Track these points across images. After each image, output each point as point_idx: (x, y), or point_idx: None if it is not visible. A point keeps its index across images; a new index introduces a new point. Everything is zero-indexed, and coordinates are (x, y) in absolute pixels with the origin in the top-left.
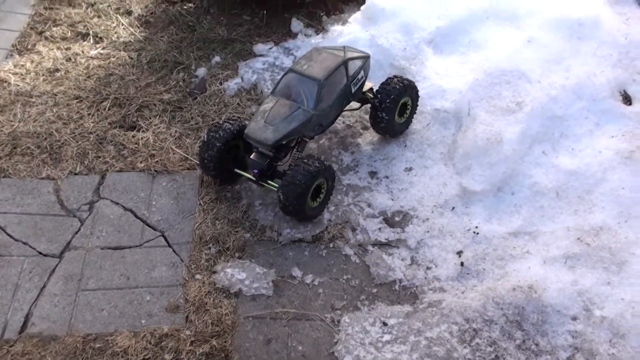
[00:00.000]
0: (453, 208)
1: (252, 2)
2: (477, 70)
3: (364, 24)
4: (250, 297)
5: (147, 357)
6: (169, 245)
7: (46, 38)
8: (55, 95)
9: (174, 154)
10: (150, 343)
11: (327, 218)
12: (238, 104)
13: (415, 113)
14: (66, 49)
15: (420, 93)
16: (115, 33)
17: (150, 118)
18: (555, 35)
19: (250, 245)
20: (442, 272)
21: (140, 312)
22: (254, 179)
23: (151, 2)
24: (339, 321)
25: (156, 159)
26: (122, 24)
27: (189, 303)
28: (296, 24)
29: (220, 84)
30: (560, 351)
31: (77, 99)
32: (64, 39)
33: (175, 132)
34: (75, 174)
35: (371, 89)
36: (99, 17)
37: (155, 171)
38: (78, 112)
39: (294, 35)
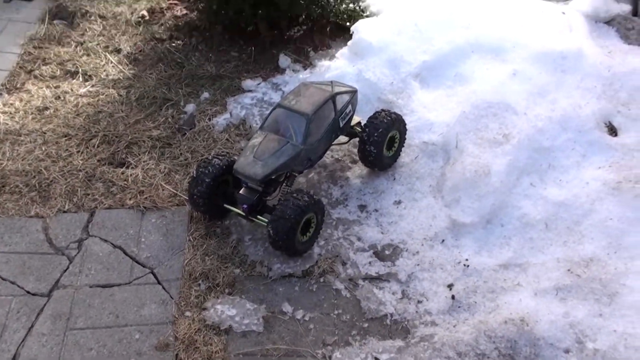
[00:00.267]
0: (443, 241)
1: (240, 39)
2: (464, 103)
3: (351, 58)
4: (241, 333)
5: None
6: (159, 282)
7: (35, 77)
8: (44, 133)
9: (163, 190)
10: None
11: (317, 252)
12: (227, 139)
13: (403, 146)
14: (55, 87)
15: (408, 126)
16: (105, 71)
17: (139, 155)
18: (539, 68)
19: (241, 280)
20: (434, 305)
21: (130, 351)
22: (244, 214)
23: (140, 40)
24: (330, 357)
25: (145, 196)
26: (111, 62)
27: (179, 341)
28: (284, 60)
29: (209, 119)
30: None
31: (66, 136)
32: (53, 77)
33: (165, 168)
34: (64, 211)
35: (359, 122)
36: (88, 55)
37: (145, 208)
38: (67, 149)
39: (282, 71)
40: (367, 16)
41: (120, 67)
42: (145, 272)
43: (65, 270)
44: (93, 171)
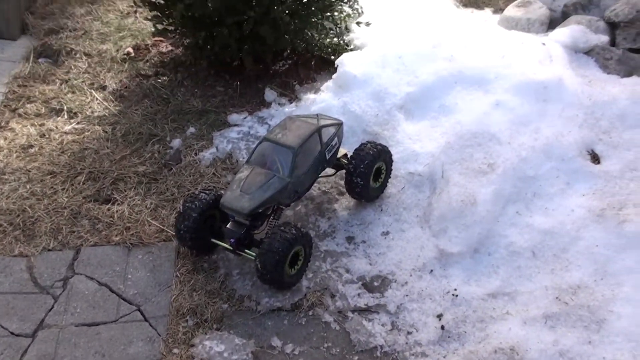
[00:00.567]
0: (431, 271)
1: (225, 74)
2: (449, 133)
3: (336, 91)
4: None
5: None
6: (146, 320)
7: (20, 115)
8: (29, 171)
9: (149, 226)
10: None
11: (306, 285)
12: (213, 173)
13: (389, 177)
14: (40, 125)
15: (394, 157)
16: (90, 108)
17: (125, 191)
18: (522, 98)
19: (229, 315)
20: (423, 336)
21: None
22: (231, 248)
23: (125, 76)
24: None
25: (131, 232)
26: (97, 99)
27: None
28: (269, 94)
29: (196, 154)
30: None
31: (51, 174)
32: (38, 115)
33: (151, 204)
34: (49, 250)
35: (345, 155)
36: (73, 92)
37: (131, 244)
38: (52, 187)
39: (267, 105)
40: (351, 50)
41: (106, 103)
42: (132, 309)
43: (50, 310)
44: (78, 208)
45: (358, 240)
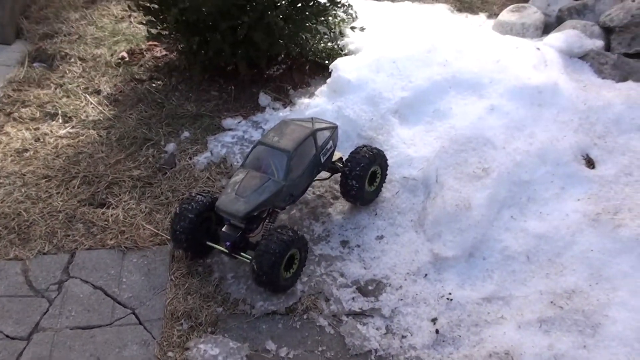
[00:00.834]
0: (426, 275)
1: (219, 78)
2: (443, 138)
3: (330, 96)
4: None
5: None
6: (140, 323)
7: (15, 119)
8: (24, 175)
9: (144, 229)
10: None
11: (300, 289)
12: (208, 177)
13: (384, 181)
14: (35, 129)
15: (388, 162)
16: (84, 112)
17: (120, 195)
18: (516, 103)
19: (223, 319)
20: (418, 340)
21: None
22: (227, 251)
23: (120, 81)
24: None
25: (126, 236)
26: (91, 103)
27: None
28: (264, 98)
29: (190, 158)
30: None
31: (45, 178)
32: (32, 119)
33: (146, 207)
34: (44, 253)
35: (340, 158)
36: (68, 97)
37: (126, 248)
38: (47, 191)
39: (262, 109)
40: (345, 54)
41: (100, 108)
42: (127, 312)
43: (45, 313)
44: (73, 212)
45: (352, 244)
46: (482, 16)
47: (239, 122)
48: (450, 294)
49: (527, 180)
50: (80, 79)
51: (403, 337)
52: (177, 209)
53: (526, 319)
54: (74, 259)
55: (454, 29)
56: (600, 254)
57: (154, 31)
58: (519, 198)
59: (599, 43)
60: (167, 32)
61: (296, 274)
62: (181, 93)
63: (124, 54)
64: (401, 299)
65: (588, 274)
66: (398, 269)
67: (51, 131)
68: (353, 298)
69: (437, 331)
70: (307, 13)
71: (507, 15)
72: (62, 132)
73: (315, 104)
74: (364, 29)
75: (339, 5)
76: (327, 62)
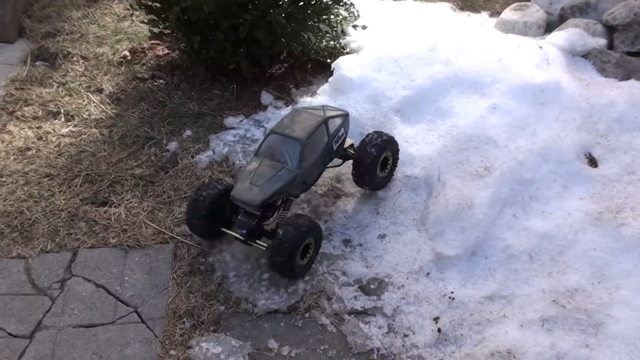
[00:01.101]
0: (428, 274)
1: (221, 77)
2: (445, 136)
3: (332, 94)
4: None
5: None
6: (143, 321)
7: (17, 118)
8: (27, 173)
9: (146, 228)
10: None
11: (302, 288)
12: (210, 176)
13: (396, 167)
14: (37, 128)
15: None
16: (87, 111)
17: (122, 193)
18: (519, 102)
19: (226, 318)
20: (420, 339)
21: None
22: (242, 238)
23: (122, 79)
24: None
25: (128, 234)
26: (94, 102)
27: None
28: (266, 97)
29: (192, 157)
30: None
31: (48, 176)
32: (35, 118)
33: (148, 206)
34: (47, 251)
35: (352, 145)
36: (70, 95)
37: (128, 246)
38: (49, 189)
39: (264, 108)
40: (347, 53)
41: (103, 106)
42: (129, 311)
43: (47, 311)
44: (76, 211)
45: (355, 243)
46: (484, 14)
47: (241, 121)
48: (452, 292)
49: (529, 179)
50: (83, 78)
51: (405, 335)
52: (193, 196)
53: (528, 318)
54: (77, 257)
55: (456, 27)
56: (603, 252)
57: (156, 30)
58: (522, 197)
59: (601, 41)
60: (169, 31)
61: (310, 262)
62: (183, 92)
63: (126, 52)
64: (403, 298)
65: (591, 273)
66: (400, 267)
67: (53, 130)
68: (355, 297)
69: (439, 330)
70: (309, 11)
71: (509, 13)
72: (64, 130)
73: (318, 103)
74: (366, 27)
75: (341, 3)
76: (329, 60)
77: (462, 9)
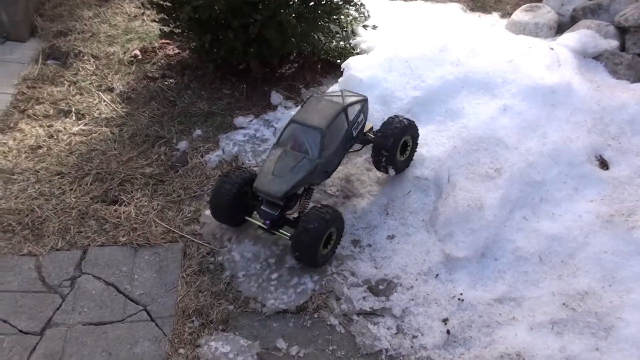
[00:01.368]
0: (437, 275)
1: (231, 77)
2: (455, 137)
3: None
4: None
5: None
6: (152, 320)
7: (29, 116)
8: (37, 171)
9: (156, 227)
10: None
11: (311, 288)
12: (219, 175)
13: (415, 150)
14: (48, 126)
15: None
16: (97, 109)
17: (132, 192)
18: (529, 103)
19: (234, 317)
20: (429, 340)
21: None
22: (266, 227)
23: (132, 78)
24: None
25: (138, 233)
26: (104, 101)
27: None
28: (276, 97)
29: (202, 156)
30: None
31: (59, 174)
32: (46, 116)
33: (158, 205)
34: (57, 249)
35: (371, 128)
36: (81, 94)
37: (138, 245)
38: (60, 187)
39: (273, 108)
40: (357, 53)
41: (113, 105)
42: (139, 309)
43: (57, 309)
44: (86, 209)
45: (364, 243)
46: (495, 15)
47: (251, 121)
48: (461, 294)
49: (539, 180)
50: (94, 77)
51: (414, 337)
52: (217, 184)
53: (538, 321)
54: (87, 255)
55: (467, 28)
56: (614, 255)
57: (166, 29)
58: (532, 199)
59: (613, 43)
60: (179, 30)
61: (332, 250)
62: (193, 91)
63: (137, 51)
64: (412, 299)
65: (601, 276)
66: (409, 268)
67: (64, 128)
68: (364, 297)
69: (448, 331)
70: (320, 11)
71: (520, 14)
72: (75, 129)
73: None
74: (376, 27)
75: (352, 3)
76: (339, 61)
77: (472, 9)
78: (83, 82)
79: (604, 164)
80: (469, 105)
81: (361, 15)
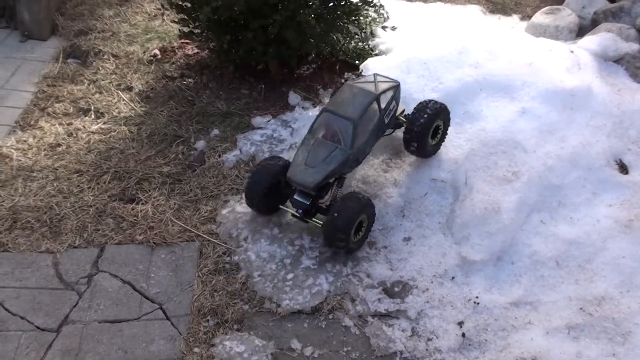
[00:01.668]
0: (453, 278)
1: (250, 77)
2: (473, 140)
3: None
4: None
5: None
6: (167, 318)
7: (49, 114)
8: (56, 169)
9: (173, 225)
10: None
11: (326, 289)
12: (236, 175)
13: (446, 135)
14: (68, 125)
15: (417, 163)
16: (117, 108)
17: (149, 191)
18: (548, 106)
19: (249, 317)
20: (444, 343)
21: None
22: (299, 215)
23: (151, 78)
24: None
25: (155, 231)
26: (123, 100)
27: None
28: (294, 97)
29: (219, 156)
30: None
31: (77, 172)
32: (66, 114)
33: (174, 204)
34: (75, 247)
35: (403, 111)
36: (101, 93)
37: (154, 243)
38: (78, 185)
39: (291, 108)
40: (376, 54)
41: (132, 104)
42: (154, 307)
43: (74, 306)
44: (103, 207)
45: (379, 245)
46: (515, 18)
47: (269, 121)
48: (477, 297)
49: (558, 184)
50: (113, 76)
51: (429, 339)
52: (252, 173)
53: (554, 325)
54: (104, 253)
55: (486, 30)
56: (632, 261)
57: (186, 29)
58: (550, 202)
59: (635, 46)
60: (199, 31)
61: (364, 237)
62: (212, 91)
63: (156, 51)
64: (427, 302)
65: (619, 281)
66: (425, 271)
67: (84, 126)
68: (379, 299)
69: (463, 335)
70: (339, 12)
71: (540, 17)
72: (94, 127)
73: None
74: (395, 28)
75: (371, 4)
76: (357, 62)
77: (492, 12)
78: (103, 81)
79: (623, 168)
80: (488, 108)
81: (380, 16)
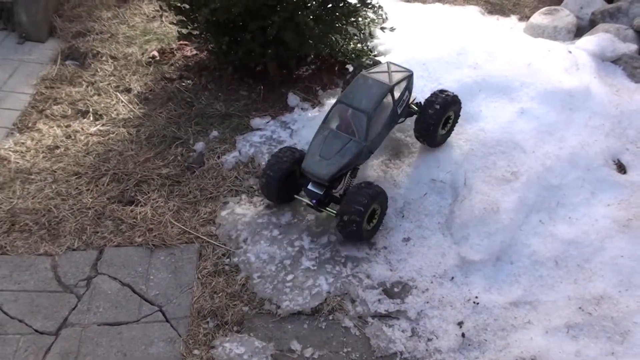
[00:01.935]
0: (452, 278)
1: (249, 78)
2: (472, 141)
3: None
4: None
5: None
6: (167, 320)
7: (47, 116)
8: (55, 171)
9: (172, 227)
10: None
11: (326, 290)
12: (236, 177)
13: (456, 124)
14: (66, 127)
15: (417, 163)
16: (115, 110)
17: (148, 192)
18: (547, 107)
19: (249, 318)
20: (444, 343)
21: None
22: (312, 205)
23: (150, 79)
24: None
25: (154, 233)
26: (122, 101)
27: None
28: (293, 98)
29: (218, 157)
30: None
31: (76, 175)
32: (64, 116)
33: (174, 206)
34: (73, 249)
35: (414, 99)
36: (99, 95)
37: (154, 245)
38: (77, 188)
39: (290, 109)
40: (375, 56)
41: (131, 106)
42: (154, 310)
43: (73, 309)
44: (102, 209)
45: (379, 246)
46: (513, 19)
47: (268, 122)
48: (476, 297)
49: (556, 184)
50: (112, 77)
51: (429, 340)
52: (268, 163)
53: (553, 325)
54: (103, 255)
55: (485, 31)
56: (631, 260)
57: (184, 31)
58: (548, 203)
59: (632, 47)
60: (197, 32)
61: (376, 226)
62: (210, 92)
63: (155, 53)
64: (427, 302)
65: (617, 281)
66: (424, 271)
67: (82, 128)
68: (379, 300)
69: (463, 335)
70: (337, 13)
71: (539, 18)
72: (92, 129)
73: None
74: (394, 29)
75: (369, 6)
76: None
77: (491, 12)
78: (101, 82)
79: (621, 168)
80: (487, 109)
81: (379, 17)
